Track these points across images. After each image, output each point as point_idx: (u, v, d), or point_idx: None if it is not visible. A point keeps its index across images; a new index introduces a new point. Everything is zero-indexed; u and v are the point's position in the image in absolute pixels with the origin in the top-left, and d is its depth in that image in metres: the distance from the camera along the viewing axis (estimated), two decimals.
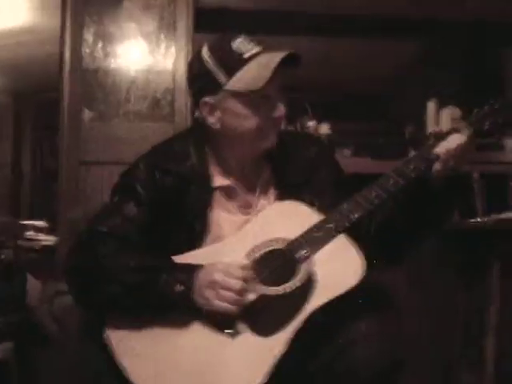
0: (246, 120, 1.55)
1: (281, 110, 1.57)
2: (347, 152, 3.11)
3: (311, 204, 1.58)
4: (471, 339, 2.53)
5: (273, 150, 1.61)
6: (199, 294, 1.43)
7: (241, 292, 1.41)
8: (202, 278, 1.44)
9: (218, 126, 1.58)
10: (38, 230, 3.56)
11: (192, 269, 1.46)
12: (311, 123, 3.17)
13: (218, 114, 1.57)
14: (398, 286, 2.54)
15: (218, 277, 1.42)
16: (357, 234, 1.51)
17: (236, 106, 1.54)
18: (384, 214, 1.59)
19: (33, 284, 3.05)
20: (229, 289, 1.41)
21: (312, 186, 1.63)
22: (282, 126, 1.67)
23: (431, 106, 3.22)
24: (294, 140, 1.70)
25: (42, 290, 2.86)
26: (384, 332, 1.41)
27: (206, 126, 1.60)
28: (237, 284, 1.41)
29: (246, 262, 1.48)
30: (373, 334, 1.40)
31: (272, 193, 1.64)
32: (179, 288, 1.44)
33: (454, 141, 1.52)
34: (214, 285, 1.42)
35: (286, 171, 1.63)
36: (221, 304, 1.41)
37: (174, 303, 1.45)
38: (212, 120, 1.58)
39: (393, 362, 1.39)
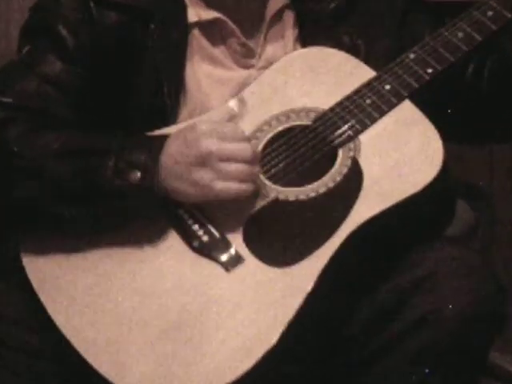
0: None
1: None
2: None
3: (354, 49, 1.25)
4: None
5: None
6: (178, 184, 1.08)
7: (253, 159, 1.07)
8: (177, 153, 1.08)
9: None
10: None
11: (155, 142, 1.12)
12: None
13: None
14: (494, 189, 2.23)
15: (212, 145, 1.06)
16: (434, 100, 1.19)
17: None
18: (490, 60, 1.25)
19: None
20: (235, 158, 1.06)
21: (355, 18, 1.29)
22: None
23: None
24: None
25: None
26: (475, 264, 1.10)
27: None
28: (245, 147, 1.07)
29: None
30: (460, 269, 1.07)
31: (289, 32, 1.28)
32: (136, 176, 1.08)
33: None
34: (206, 159, 1.06)
35: None
36: (229, 185, 1.06)
37: (128, 204, 1.11)
38: None
39: (491, 307, 1.06)
